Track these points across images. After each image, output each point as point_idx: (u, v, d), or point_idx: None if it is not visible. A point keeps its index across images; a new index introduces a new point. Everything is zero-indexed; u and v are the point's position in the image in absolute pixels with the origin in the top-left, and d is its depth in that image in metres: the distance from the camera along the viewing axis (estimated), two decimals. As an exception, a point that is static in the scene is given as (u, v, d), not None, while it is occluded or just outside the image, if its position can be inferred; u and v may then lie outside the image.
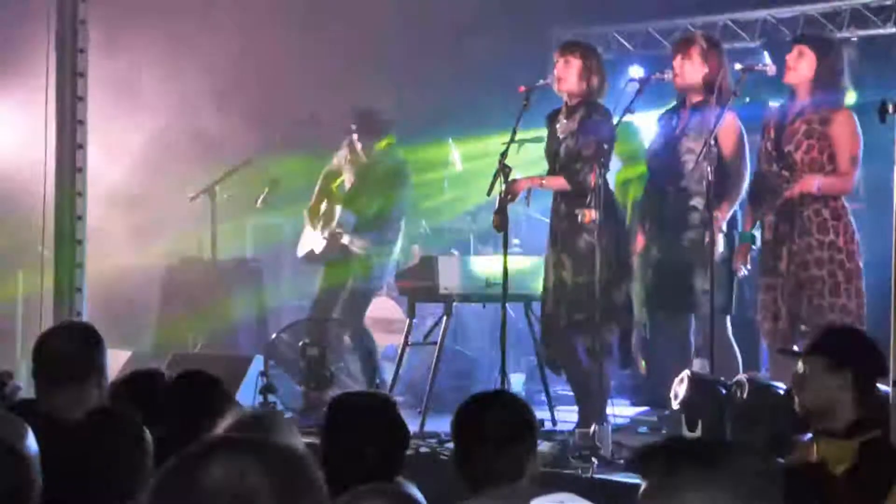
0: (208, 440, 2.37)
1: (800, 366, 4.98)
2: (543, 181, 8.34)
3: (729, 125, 7.94)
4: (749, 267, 7.97)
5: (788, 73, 7.81)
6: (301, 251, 10.53)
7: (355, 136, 10.15)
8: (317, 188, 10.45)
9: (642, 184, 8.79)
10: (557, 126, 8.31)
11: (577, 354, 8.17)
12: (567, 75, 8.23)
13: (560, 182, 8.21)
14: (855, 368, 4.86)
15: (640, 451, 2.54)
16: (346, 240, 10.04)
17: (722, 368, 7.53)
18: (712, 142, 7.67)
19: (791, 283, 7.69)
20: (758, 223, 7.98)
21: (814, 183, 7.57)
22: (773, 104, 8.37)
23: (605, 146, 7.98)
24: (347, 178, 10.32)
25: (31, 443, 3.56)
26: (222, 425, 3.60)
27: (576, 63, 8.21)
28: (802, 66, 7.76)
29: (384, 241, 10.06)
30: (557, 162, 8.28)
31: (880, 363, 5.05)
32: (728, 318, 8.05)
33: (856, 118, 7.66)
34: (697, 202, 7.89)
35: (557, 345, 8.29)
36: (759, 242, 7.97)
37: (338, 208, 10.06)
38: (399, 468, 4.32)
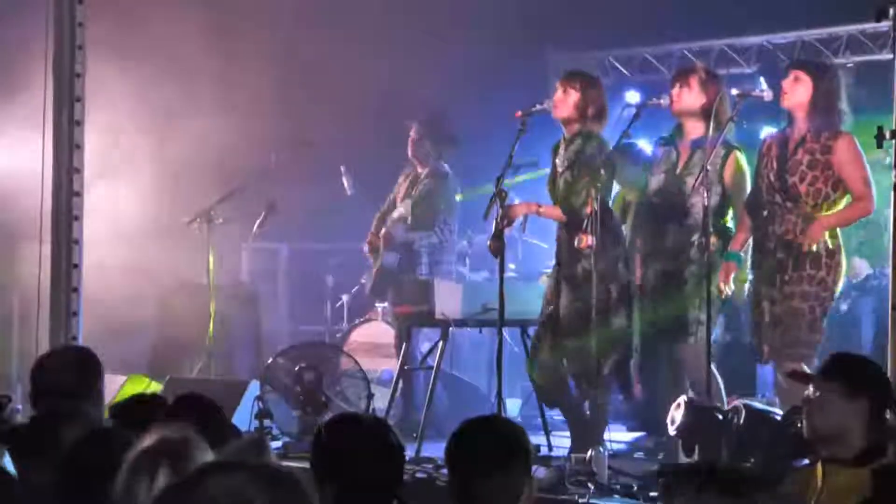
0: (206, 464, 2.41)
1: (811, 390, 4.95)
2: (541, 209, 8.36)
3: (735, 165, 7.98)
4: (732, 287, 7.94)
5: (784, 98, 7.82)
6: None
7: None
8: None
9: (642, 209, 8.80)
10: (557, 158, 8.36)
11: (565, 382, 8.20)
12: (563, 105, 8.28)
13: (556, 213, 8.26)
14: (870, 396, 4.85)
15: (670, 471, 2.57)
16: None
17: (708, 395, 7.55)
18: (711, 170, 7.67)
19: (778, 311, 7.70)
20: (749, 246, 7.97)
21: (819, 230, 7.58)
22: (771, 129, 8.38)
23: (601, 173, 7.98)
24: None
25: (7, 463, 3.57)
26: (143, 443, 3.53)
27: (573, 94, 8.26)
28: (799, 90, 7.77)
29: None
30: (556, 193, 8.31)
31: (891, 392, 5.05)
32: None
33: (856, 140, 7.65)
34: (698, 237, 7.87)
35: (546, 372, 8.30)
36: (748, 268, 7.97)
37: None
38: (397, 487, 4.30)
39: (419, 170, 10.26)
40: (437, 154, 10.22)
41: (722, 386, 7.92)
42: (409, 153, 10.28)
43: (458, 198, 10.28)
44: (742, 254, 7.96)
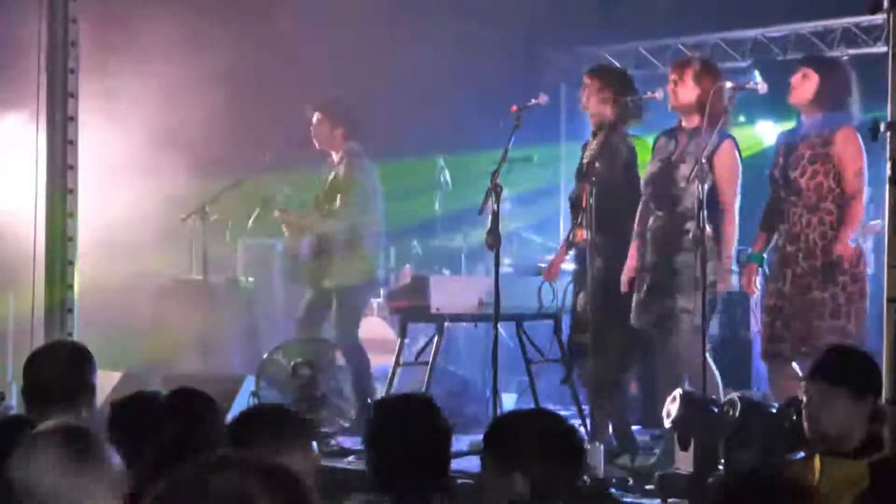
0: (209, 458, 2.41)
1: (814, 391, 4.90)
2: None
3: (726, 153, 7.89)
4: (759, 287, 7.94)
5: (792, 94, 7.81)
6: None
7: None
8: None
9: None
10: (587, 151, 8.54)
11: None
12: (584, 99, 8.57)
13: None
14: (874, 394, 4.87)
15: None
16: None
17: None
18: (705, 163, 7.63)
19: (793, 305, 7.65)
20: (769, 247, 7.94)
21: (848, 237, 7.56)
22: (769, 124, 8.38)
23: (596, 164, 8.00)
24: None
25: None
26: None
27: (591, 85, 8.45)
28: (806, 86, 7.74)
29: None
30: None
31: (881, 385, 5.07)
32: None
33: (858, 135, 7.59)
34: (690, 226, 7.79)
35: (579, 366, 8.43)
36: (766, 265, 7.94)
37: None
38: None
39: (333, 157, 10.12)
40: (343, 135, 10.02)
41: (719, 379, 7.88)
42: (316, 142, 10.08)
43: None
44: (764, 255, 7.92)
